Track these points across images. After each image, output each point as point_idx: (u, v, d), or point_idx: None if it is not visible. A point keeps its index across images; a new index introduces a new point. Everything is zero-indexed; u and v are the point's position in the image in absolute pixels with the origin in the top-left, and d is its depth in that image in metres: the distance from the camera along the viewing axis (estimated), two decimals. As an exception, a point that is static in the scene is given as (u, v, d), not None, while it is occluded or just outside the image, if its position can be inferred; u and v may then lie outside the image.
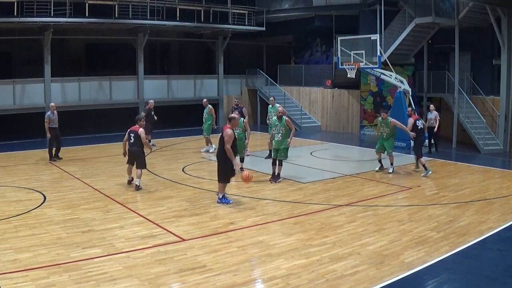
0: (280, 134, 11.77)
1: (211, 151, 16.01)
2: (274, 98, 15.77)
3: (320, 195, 10.66)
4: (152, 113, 16.97)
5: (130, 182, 11.36)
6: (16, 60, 21.82)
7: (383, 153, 13.18)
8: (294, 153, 14.64)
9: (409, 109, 14.35)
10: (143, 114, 16.86)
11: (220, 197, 9.83)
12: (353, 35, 20.04)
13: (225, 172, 9.67)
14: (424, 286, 6.26)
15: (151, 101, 17.64)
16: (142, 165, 11.11)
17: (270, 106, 15.20)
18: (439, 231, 8.16)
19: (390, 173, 13.02)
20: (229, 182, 9.96)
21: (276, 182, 11.72)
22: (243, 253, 7.12)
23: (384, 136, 13.04)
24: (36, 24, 18.61)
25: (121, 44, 23.18)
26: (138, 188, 10.88)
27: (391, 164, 13.12)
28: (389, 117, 13.07)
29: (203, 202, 9.93)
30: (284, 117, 11.97)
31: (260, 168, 13.24)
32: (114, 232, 7.95)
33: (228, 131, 9.55)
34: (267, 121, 15.05)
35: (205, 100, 16.71)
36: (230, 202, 9.81)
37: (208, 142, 16.24)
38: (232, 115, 10.30)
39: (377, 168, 13.35)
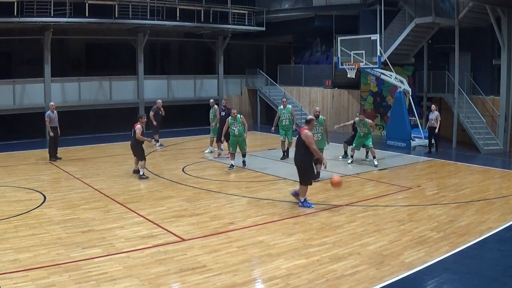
0: (320, 134, 11.80)
1: (206, 151, 15.91)
2: (286, 100, 15.39)
3: (320, 195, 10.65)
4: (160, 112, 17.37)
5: (135, 171, 12.31)
6: (16, 60, 21.78)
7: (358, 150, 14.32)
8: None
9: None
10: (152, 113, 16.98)
11: (302, 200, 9.59)
12: (353, 35, 19.99)
13: (306, 175, 9.51)
14: (424, 286, 6.26)
15: (159, 100, 17.82)
16: (140, 157, 12.11)
17: (282, 107, 14.72)
18: (439, 231, 8.16)
19: (376, 165, 13.62)
20: (311, 184, 9.70)
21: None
22: (243, 253, 7.12)
23: (361, 135, 14.02)
24: (36, 24, 18.60)
25: (121, 44, 23.15)
26: (141, 177, 11.98)
27: (374, 157, 13.89)
28: (366, 119, 14.11)
29: (203, 202, 9.94)
30: (321, 116, 12.02)
31: (260, 168, 13.26)
32: (114, 232, 7.96)
33: (307, 132, 9.31)
34: (275, 126, 14.72)
35: (212, 100, 16.42)
36: (312, 206, 9.54)
37: (212, 142, 16.03)
38: (310, 116, 10.15)
39: (348, 160, 14.33)
